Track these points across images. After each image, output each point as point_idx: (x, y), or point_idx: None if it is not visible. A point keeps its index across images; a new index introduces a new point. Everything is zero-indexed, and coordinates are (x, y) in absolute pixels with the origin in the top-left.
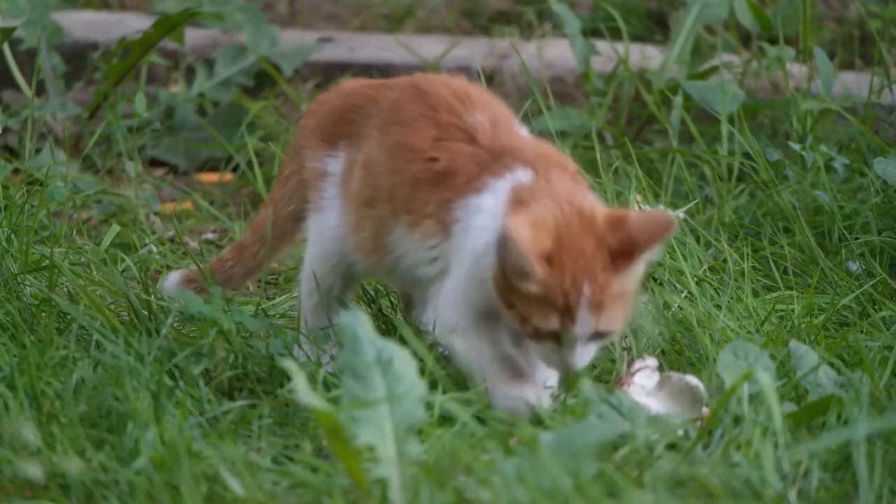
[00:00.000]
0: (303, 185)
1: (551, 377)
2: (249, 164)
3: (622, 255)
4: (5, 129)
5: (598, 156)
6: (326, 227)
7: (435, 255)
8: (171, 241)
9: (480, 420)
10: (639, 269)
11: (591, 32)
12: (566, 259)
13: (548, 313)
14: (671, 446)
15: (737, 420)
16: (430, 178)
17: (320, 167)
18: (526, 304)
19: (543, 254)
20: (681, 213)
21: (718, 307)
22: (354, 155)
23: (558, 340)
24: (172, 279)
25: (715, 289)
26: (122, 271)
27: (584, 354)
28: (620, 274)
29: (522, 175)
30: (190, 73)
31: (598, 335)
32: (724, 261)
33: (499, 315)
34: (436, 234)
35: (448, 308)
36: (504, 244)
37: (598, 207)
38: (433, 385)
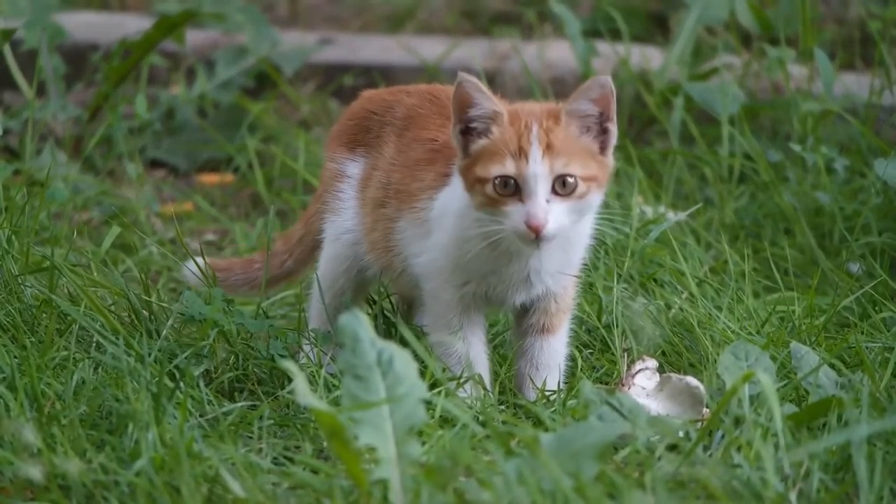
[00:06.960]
0: None
1: (551, 380)
2: (250, 165)
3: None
4: (6, 131)
5: None
6: (342, 230)
7: (424, 231)
8: (172, 242)
9: (481, 421)
10: (574, 122)
11: (592, 33)
12: (517, 116)
13: (504, 159)
14: (672, 447)
15: (737, 421)
16: (427, 157)
17: (339, 168)
18: (484, 163)
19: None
20: (682, 216)
21: (719, 308)
22: (372, 161)
23: (521, 197)
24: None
25: (716, 290)
26: (123, 272)
27: (551, 213)
28: (561, 124)
29: None
30: (190, 75)
31: (559, 181)
32: (725, 262)
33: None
34: (427, 204)
35: (432, 270)
36: (462, 94)
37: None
38: (433, 386)
